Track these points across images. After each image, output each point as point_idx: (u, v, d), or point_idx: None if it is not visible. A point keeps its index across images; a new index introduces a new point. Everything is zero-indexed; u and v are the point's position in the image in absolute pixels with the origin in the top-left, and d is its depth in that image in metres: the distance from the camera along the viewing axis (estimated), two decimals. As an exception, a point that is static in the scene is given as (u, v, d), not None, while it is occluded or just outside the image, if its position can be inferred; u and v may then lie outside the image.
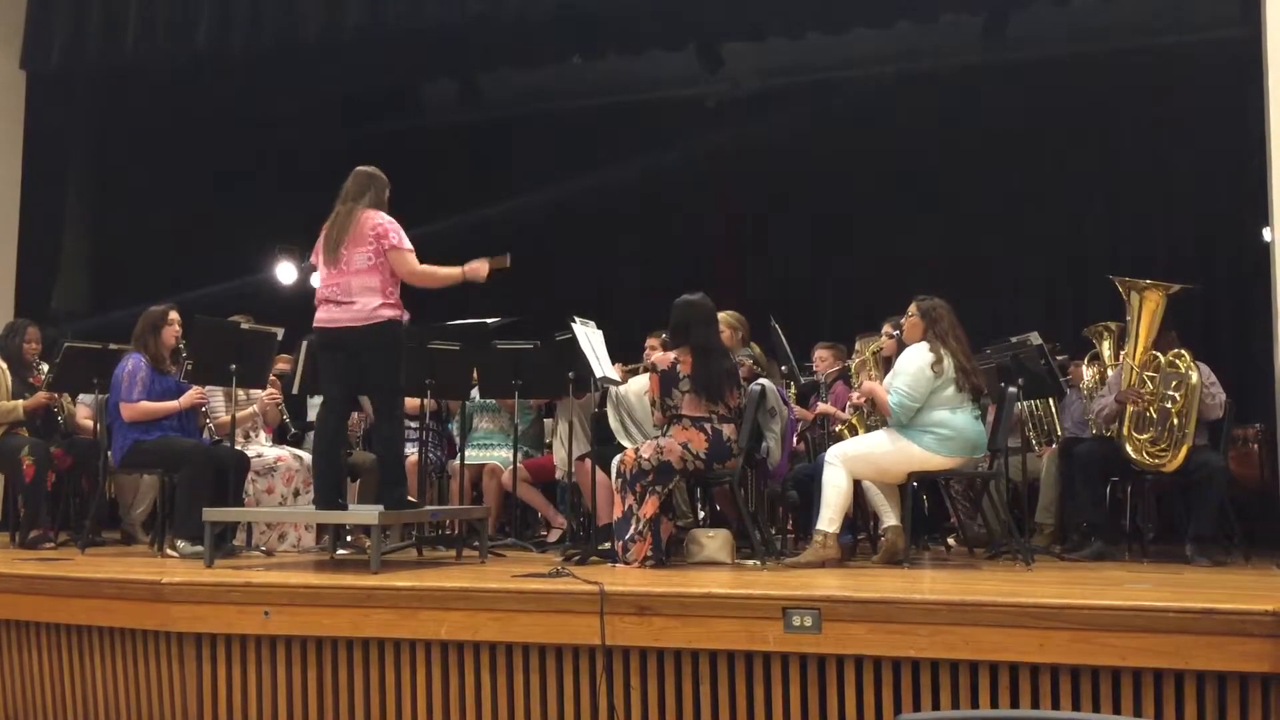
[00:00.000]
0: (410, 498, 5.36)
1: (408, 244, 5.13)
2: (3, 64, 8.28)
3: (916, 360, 5.24)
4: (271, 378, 6.42)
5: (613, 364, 6.08)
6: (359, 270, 5.06)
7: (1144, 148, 8.98)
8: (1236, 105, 7.58)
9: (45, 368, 6.63)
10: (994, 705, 3.66)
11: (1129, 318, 5.73)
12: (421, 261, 5.16)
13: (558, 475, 6.71)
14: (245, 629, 4.34)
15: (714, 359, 5.35)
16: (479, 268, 5.28)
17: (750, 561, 5.27)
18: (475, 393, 6.83)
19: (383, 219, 5.13)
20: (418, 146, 10.46)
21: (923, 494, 6.41)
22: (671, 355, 5.38)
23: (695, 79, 9.71)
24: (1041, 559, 5.65)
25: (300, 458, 6.24)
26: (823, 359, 6.84)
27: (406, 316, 5.27)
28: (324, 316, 5.13)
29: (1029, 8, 8.09)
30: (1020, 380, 5.88)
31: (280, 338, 6.13)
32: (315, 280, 5.36)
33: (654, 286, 9.53)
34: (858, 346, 6.46)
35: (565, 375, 6.04)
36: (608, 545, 5.36)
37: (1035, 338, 6.16)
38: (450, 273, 5.25)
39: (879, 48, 8.97)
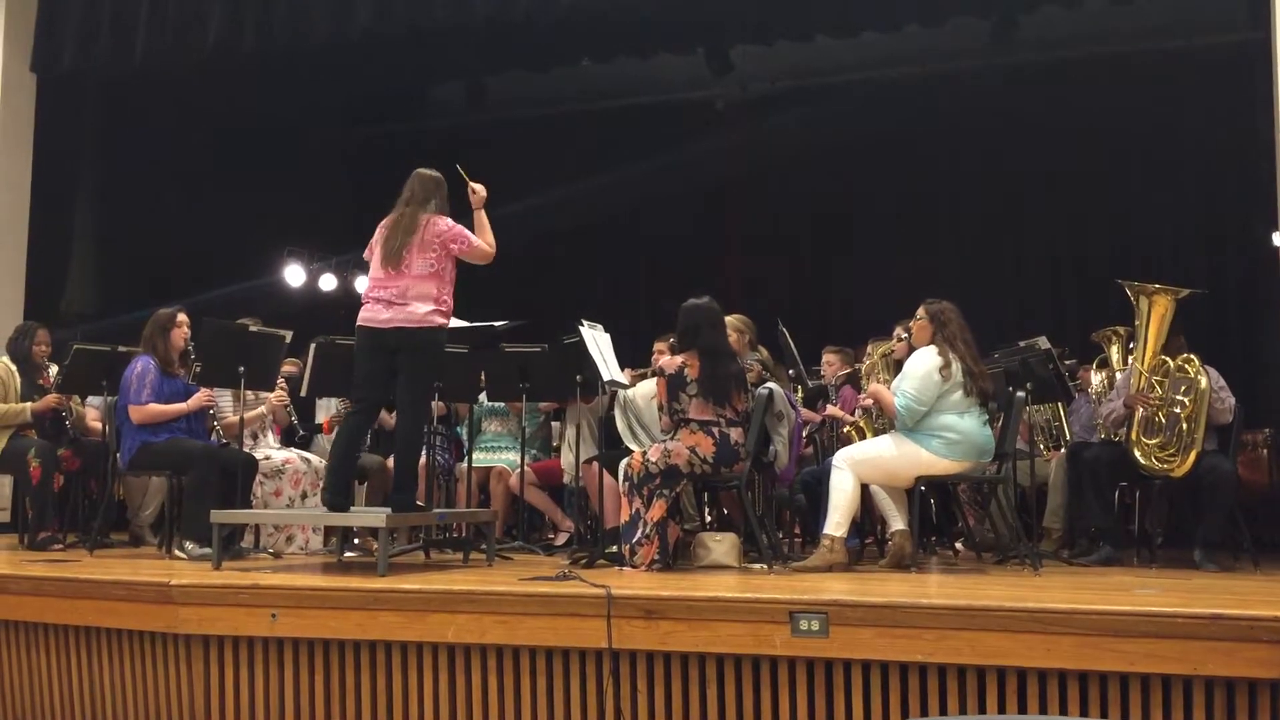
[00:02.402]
0: (419, 501, 5.35)
1: (473, 236, 5.19)
2: (13, 66, 8.32)
3: (924, 364, 5.24)
4: (280, 380, 6.43)
5: (621, 368, 6.07)
6: (419, 276, 5.07)
7: (1152, 151, 8.97)
8: (1245, 108, 7.57)
9: (54, 370, 6.65)
10: (1001, 710, 3.65)
11: (1137, 322, 5.71)
12: None
13: (565, 479, 6.71)
14: (253, 631, 4.34)
15: (721, 362, 5.35)
16: (479, 197, 5.33)
17: (757, 565, 5.26)
18: (483, 396, 6.83)
19: (448, 225, 5.16)
20: (425, 148, 10.43)
21: (930, 498, 6.40)
22: (679, 359, 5.38)
23: (704, 82, 9.72)
24: (1049, 564, 5.63)
25: (308, 460, 6.25)
26: (830, 363, 6.83)
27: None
28: (371, 315, 5.10)
29: (1037, 10, 8.08)
30: (1028, 384, 5.87)
31: (289, 340, 6.14)
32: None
33: (662, 290, 9.54)
34: (869, 350, 6.45)
35: (573, 378, 6.04)
36: (615, 548, 5.36)
37: (1043, 342, 6.15)
38: (484, 221, 5.30)
39: (887, 50, 8.97)
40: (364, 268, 5.53)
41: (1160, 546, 6.07)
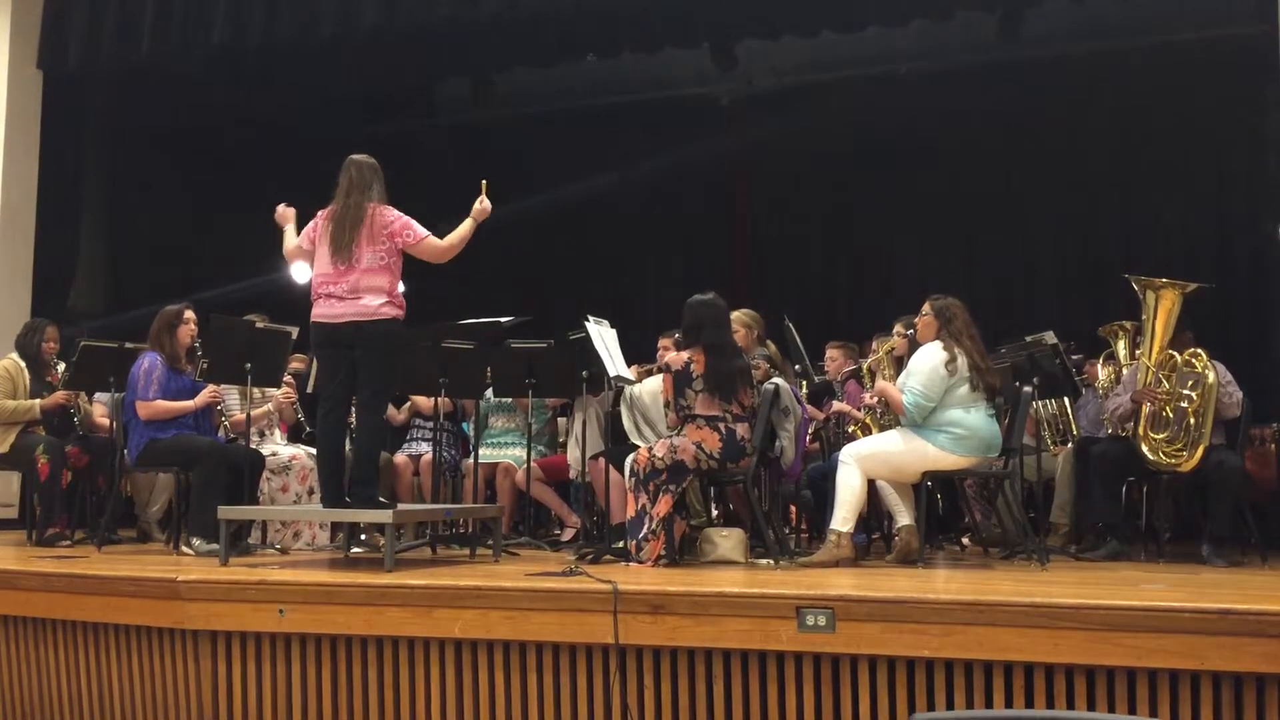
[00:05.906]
0: (381, 499, 5.24)
1: (423, 230, 5.05)
2: (19, 64, 8.33)
3: (930, 359, 5.23)
4: (287, 376, 6.44)
5: (627, 364, 6.07)
6: (369, 269, 4.98)
7: (1160, 145, 8.94)
8: (1253, 102, 7.54)
9: (63, 366, 6.66)
10: (1008, 705, 3.65)
11: (1145, 317, 5.70)
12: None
13: (571, 474, 6.72)
14: (260, 627, 4.35)
15: (726, 358, 5.34)
16: (482, 209, 5.16)
17: (764, 561, 5.26)
18: (489, 391, 6.83)
19: (394, 215, 5.04)
20: (431, 145, 10.48)
21: (937, 493, 6.39)
22: (684, 355, 5.37)
23: (709, 77, 9.71)
24: (1056, 559, 5.63)
25: (315, 456, 6.25)
26: (833, 359, 6.82)
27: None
28: (324, 311, 5.04)
29: (1044, 5, 8.06)
30: (1035, 380, 5.85)
31: (295, 336, 6.14)
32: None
33: (667, 286, 9.54)
34: (874, 346, 6.45)
35: (579, 374, 6.05)
36: (621, 544, 5.36)
37: (1050, 337, 6.13)
38: (466, 229, 5.12)
39: (893, 46, 8.96)
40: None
41: (1168, 541, 6.05)
